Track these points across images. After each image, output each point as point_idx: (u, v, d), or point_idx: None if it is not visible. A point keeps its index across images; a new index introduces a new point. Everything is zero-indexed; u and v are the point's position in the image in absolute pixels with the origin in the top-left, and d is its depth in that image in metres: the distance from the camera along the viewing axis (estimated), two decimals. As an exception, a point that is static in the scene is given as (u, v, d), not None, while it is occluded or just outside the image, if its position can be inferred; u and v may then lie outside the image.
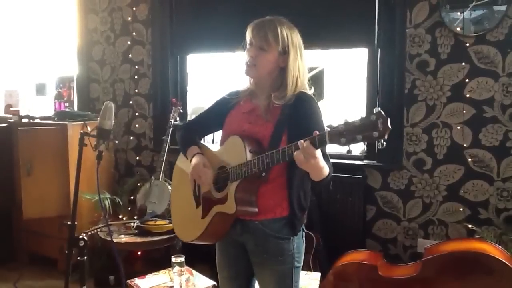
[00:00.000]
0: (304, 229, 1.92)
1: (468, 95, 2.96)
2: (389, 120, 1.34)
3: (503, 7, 2.80)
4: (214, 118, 1.99)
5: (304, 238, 1.91)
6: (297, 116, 1.74)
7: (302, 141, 1.50)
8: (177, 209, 2.12)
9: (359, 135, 1.38)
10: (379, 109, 1.36)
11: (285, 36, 1.78)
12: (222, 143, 1.91)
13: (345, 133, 1.40)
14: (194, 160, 1.87)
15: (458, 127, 3.00)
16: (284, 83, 1.79)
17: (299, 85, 1.81)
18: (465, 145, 2.99)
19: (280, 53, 1.78)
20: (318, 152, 1.50)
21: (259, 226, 1.80)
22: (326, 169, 1.60)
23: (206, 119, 2.04)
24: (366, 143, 1.39)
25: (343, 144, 1.42)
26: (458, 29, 2.93)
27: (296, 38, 1.82)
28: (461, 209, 3.03)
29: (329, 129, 1.45)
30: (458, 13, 2.92)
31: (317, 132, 1.47)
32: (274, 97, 1.80)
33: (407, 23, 3.08)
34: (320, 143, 1.47)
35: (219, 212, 1.80)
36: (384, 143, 1.38)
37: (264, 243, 1.81)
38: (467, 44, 2.94)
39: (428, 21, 3.03)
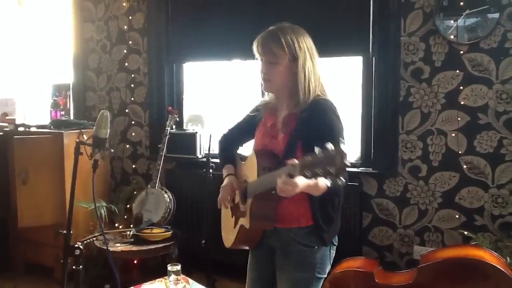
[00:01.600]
0: (336, 242, 1.93)
1: (462, 102, 2.98)
2: (346, 157, 1.31)
3: (496, 15, 2.83)
4: (247, 129, 2.04)
5: (333, 251, 1.92)
6: (312, 125, 1.73)
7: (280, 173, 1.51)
8: (223, 215, 2.18)
9: (319, 168, 1.35)
10: (341, 144, 1.33)
11: (290, 42, 1.76)
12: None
13: (309, 166, 1.37)
14: (224, 182, 1.98)
15: (453, 134, 3.02)
16: (296, 88, 1.78)
17: (312, 88, 1.77)
18: (460, 152, 3.01)
19: (290, 60, 1.77)
20: (299, 179, 1.47)
21: (285, 231, 1.84)
22: (319, 184, 1.57)
23: (240, 131, 2.10)
24: (334, 174, 1.33)
25: (310, 177, 1.38)
26: (452, 37, 2.95)
27: (303, 41, 1.80)
28: (457, 216, 3.04)
29: (300, 162, 1.42)
30: (452, 21, 2.94)
31: (292, 162, 1.44)
32: (288, 106, 1.82)
33: (401, 31, 3.10)
34: (290, 175, 1.46)
35: (242, 224, 1.87)
36: (344, 180, 1.36)
37: (288, 247, 1.85)
38: (461, 52, 2.96)
39: (422, 29, 3.05)
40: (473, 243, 2.83)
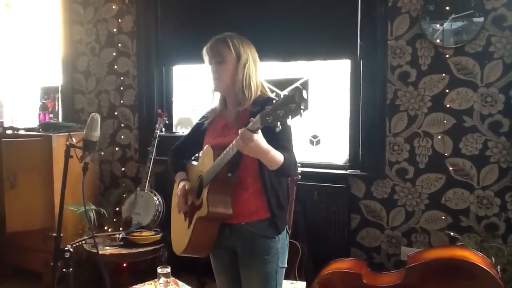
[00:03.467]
0: (288, 230, 2.00)
1: (448, 105, 3.03)
2: (304, 92, 1.42)
3: (481, 19, 2.88)
4: (194, 141, 2.12)
5: (287, 239, 1.99)
6: None
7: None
8: (173, 225, 2.19)
9: (281, 110, 1.46)
10: (298, 85, 1.43)
11: (236, 44, 1.92)
12: None
13: (271, 112, 1.48)
14: (179, 186, 1.99)
15: (439, 137, 3.06)
16: (240, 84, 1.90)
17: (254, 85, 1.91)
18: (446, 154, 3.05)
19: (236, 60, 1.91)
20: (257, 136, 1.58)
21: (246, 227, 1.89)
22: (276, 155, 1.69)
23: (187, 144, 2.18)
24: (291, 117, 1.46)
25: (272, 122, 1.48)
26: (438, 40, 2.99)
27: (247, 46, 1.95)
28: (443, 217, 3.08)
29: (259, 114, 1.53)
30: (438, 25, 2.99)
31: (252, 119, 1.56)
32: (235, 105, 1.94)
33: (389, 35, 3.14)
34: (253, 125, 1.55)
35: (198, 217, 1.87)
36: (301, 115, 1.46)
37: (252, 242, 1.89)
38: (447, 56, 3.01)
39: (408, 33, 3.10)
40: (459, 243, 2.88)
